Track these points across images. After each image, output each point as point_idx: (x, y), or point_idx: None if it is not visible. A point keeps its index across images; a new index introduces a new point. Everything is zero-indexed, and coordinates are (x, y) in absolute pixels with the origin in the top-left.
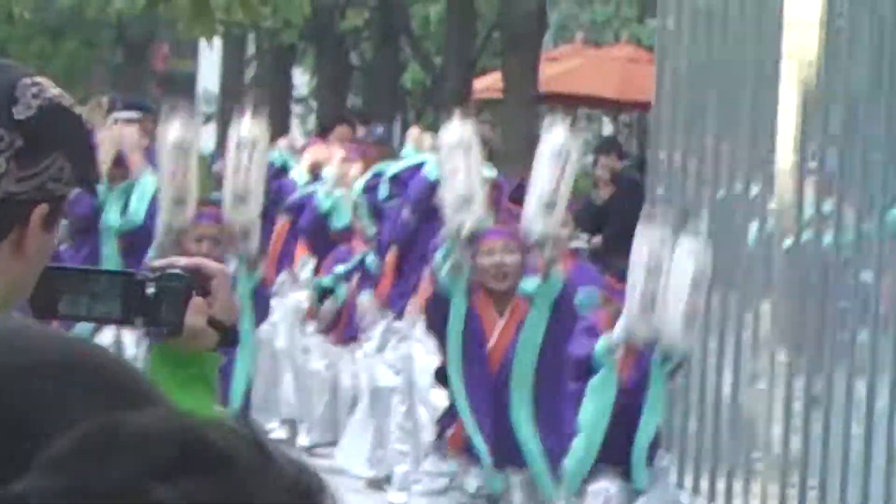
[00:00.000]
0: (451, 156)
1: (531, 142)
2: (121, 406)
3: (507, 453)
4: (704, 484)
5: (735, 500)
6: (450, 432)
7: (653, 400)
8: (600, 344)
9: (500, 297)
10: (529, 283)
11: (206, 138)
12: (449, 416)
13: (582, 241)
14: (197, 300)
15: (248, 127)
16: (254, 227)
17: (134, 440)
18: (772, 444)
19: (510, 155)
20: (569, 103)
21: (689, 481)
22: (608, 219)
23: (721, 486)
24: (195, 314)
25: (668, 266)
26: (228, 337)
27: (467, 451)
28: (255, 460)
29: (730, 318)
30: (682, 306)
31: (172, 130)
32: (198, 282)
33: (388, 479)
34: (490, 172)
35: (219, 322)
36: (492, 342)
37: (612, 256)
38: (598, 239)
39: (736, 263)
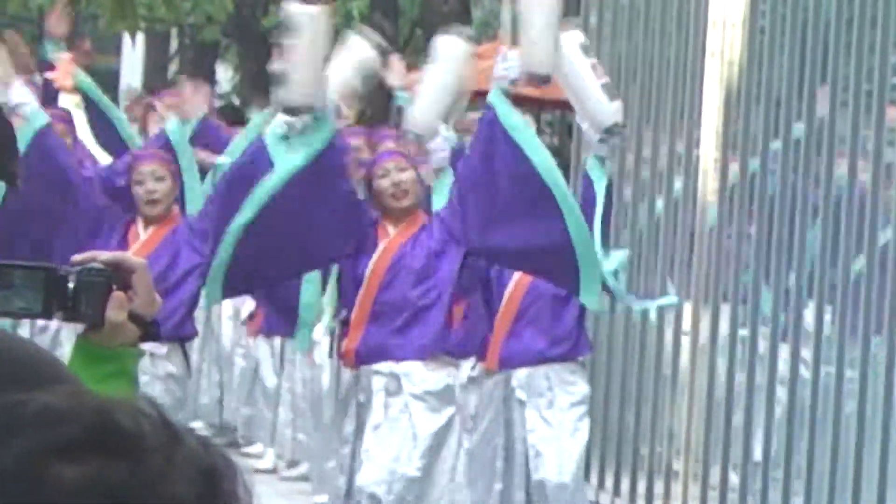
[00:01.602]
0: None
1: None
2: (31, 390)
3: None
4: (625, 485)
5: (656, 501)
6: (344, 346)
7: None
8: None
9: (401, 215)
10: None
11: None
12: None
13: None
14: (117, 294)
15: None
16: None
17: (36, 418)
18: (692, 445)
19: None
20: None
21: (609, 482)
22: None
23: (641, 487)
24: (115, 309)
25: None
26: (149, 332)
27: (358, 358)
28: (163, 440)
29: (650, 317)
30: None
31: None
32: (118, 276)
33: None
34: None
35: (139, 317)
36: (381, 246)
37: None
38: None
39: (657, 260)
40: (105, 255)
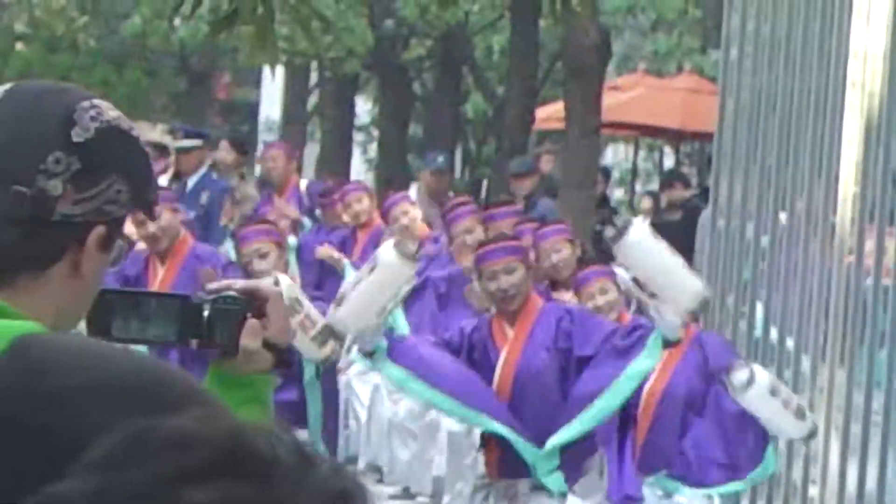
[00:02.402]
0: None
1: (592, 171)
2: (162, 414)
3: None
4: None
5: None
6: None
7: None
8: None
9: (511, 314)
10: None
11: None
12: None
13: None
14: (252, 322)
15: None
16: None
17: (169, 442)
18: (829, 472)
19: (570, 184)
20: (630, 133)
21: None
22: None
23: None
24: (250, 336)
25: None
26: (283, 359)
27: (501, 469)
28: (295, 465)
29: (785, 343)
30: None
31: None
32: (253, 304)
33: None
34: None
35: (273, 344)
36: (503, 355)
37: None
38: None
39: (795, 289)
40: (240, 283)
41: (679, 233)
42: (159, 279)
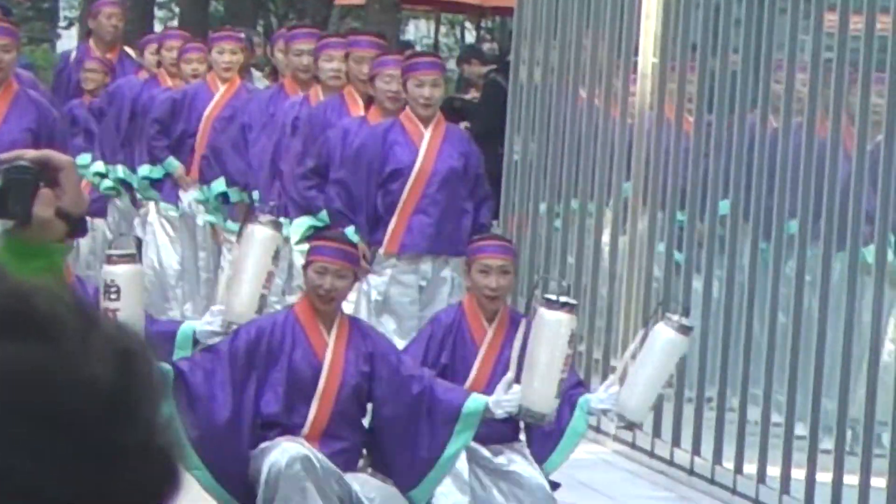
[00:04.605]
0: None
1: (393, 47)
2: None
3: None
4: None
5: None
6: None
7: None
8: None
9: (324, 314)
10: None
11: (68, 42)
12: None
13: None
14: (45, 192)
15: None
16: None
17: None
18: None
19: None
20: (431, 8)
21: None
22: (472, 120)
23: None
24: (43, 206)
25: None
26: (76, 228)
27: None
28: (78, 323)
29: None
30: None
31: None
32: (46, 173)
33: None
34: None
35: (67, 213)
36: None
37: None
38: None
39: (596, 164)
40: (31, 152)
41: (481, 111)
42: None
